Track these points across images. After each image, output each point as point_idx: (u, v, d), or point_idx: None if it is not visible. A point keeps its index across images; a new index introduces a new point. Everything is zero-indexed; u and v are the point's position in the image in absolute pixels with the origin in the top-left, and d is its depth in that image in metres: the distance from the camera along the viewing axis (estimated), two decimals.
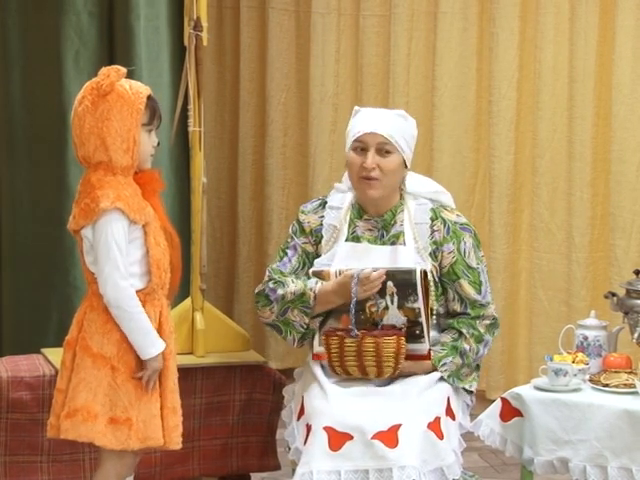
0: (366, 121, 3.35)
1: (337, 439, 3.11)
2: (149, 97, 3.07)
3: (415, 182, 3.45)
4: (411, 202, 3.40)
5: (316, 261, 3.38)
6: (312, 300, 3.32)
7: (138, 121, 3.01)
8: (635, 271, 3.59)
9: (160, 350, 3.03)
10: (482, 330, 3.37)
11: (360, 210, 3.41)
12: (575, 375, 3.39)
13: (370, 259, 3.33)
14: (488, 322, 3.39)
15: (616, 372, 3.41)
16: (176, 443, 3.10)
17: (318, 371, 3.32)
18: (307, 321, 3.35)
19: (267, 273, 3.45)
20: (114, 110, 2.99)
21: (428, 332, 3.26)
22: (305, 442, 3.17)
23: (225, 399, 3.69)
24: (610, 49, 4.62)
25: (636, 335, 3.50)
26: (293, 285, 3.35)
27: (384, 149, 3.32)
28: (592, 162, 4.70)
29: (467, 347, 3.35)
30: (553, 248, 4.77)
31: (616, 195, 4.64)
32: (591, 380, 3.41)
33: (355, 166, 3.34)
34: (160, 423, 3.05)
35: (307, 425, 3.18)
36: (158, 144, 3.11)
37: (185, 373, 3.45)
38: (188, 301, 3.75)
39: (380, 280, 3.24)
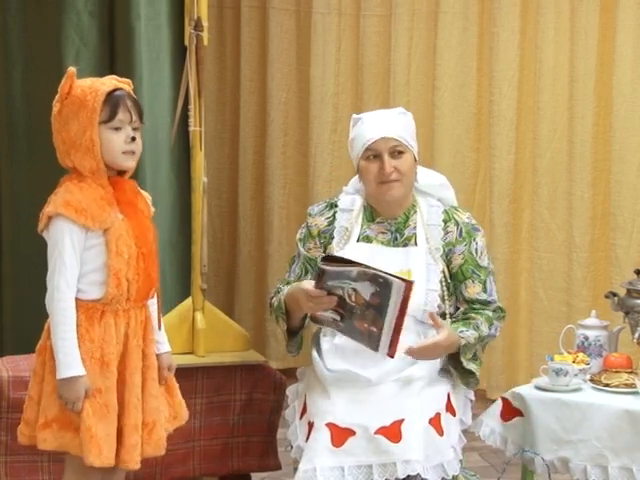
0: (373, 127, 3.34)
1: (340, 435, 3.10)
2: (111, 92, 2.90)
3: (423, 174, 3.45)
4: (423, 204, 3.40)
5: None
6: (283, 305, 3.32)
7: (94, 120, 2.87)
8: (636, 271, 3.59)
9: (74, 375, 2.84)
10: (490, 314, 3.38)
11: (372, 213, 3.41)
12: (576, 375, 3.39)
13: (383, 260, 3.32)
14: (492, 309, 3.39)
15: (617, 372, 3.41)
16: (136, 462, 2.92)
17: (319, 370, 3.32)
18: (284, 328, 3.35)
19: (281, 283, 3.47)
20: (71, 113, 2.89)
21: (392, 342, 3.11)
22: (307, 439, 3.17)
23: (225, 399, 3.69)
24: (610, 48, 4.62)
25: (637, 335, 3.50)
26: (282, 292, 3.36)
27: (396, 151, 3.32)
28: (593, 162, 4.70)
29: (478, 321, 3.33)
30: (554, 248, 4.77)
31: (617, 195, 4.64)
32: (592, 380, 3.41)
33: (371, 174, 3.32)
34: (114, 443, 2.89)
35: (309, 422, 3.18)
36: (133, 139, 2.91)
37: (186, 373, 3.45)
38: (189, 301, 3.75)
39: (321, 299, 3.15)
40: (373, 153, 3.33)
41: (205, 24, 3.69)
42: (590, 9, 4.64)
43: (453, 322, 3.32)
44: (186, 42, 3.70)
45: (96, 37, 4.55)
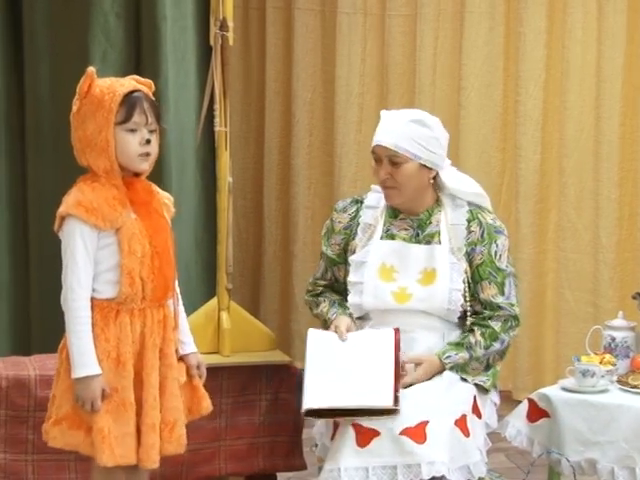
0: (379, 131, 3.34)
1: (364, 435, 3.10)
2: (128, 94, 2.90)
3: (457, 180, 3.43)
4: (449, 204, 3.39)
5: (351, 258, 3.39)
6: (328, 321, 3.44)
7: (110, 121, 2.87)
8: None
9: (89, 374, 2.85)
10: (497, 328, 3.34)
11: (395, 210, 3.41)
12: (603, 376, 3.37)
13: (407, 258, 3.34)
14: (503, 320, 3.35)
15: None
16: (153, 462, 2.92)
17: None
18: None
19: (309, 282, 3.57)
20: (89, 112, 2.89)
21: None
22: (332, 438, 3.17)
23: (251, 399, 3.70)
24: (638, 49, 4.60)
25: None
26: (321, 307, 3.48)
27: (393, 160, 3.31)
28: (619, 162, 4.68)
29: (473, 340, 3.31)
30: (580, 248, 4.75)
31: None
32: (619, 381, 3.39)
33: (376, 175, 3.36)
34: (133, 442, 2.90)
35: (334, 422, 3.18)
36: (148, 141, 2.91)
37: (211, 373, 3.44)
38: (214, 301, 3.75)
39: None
40: (375, 157, 3.35)
41: (230, 24, 3.69)
42: (617, 9, 4.62)
43: (447, 345, 3.32)
44: (211, 42, 3.71)
45: (122, 38, 4.57)
